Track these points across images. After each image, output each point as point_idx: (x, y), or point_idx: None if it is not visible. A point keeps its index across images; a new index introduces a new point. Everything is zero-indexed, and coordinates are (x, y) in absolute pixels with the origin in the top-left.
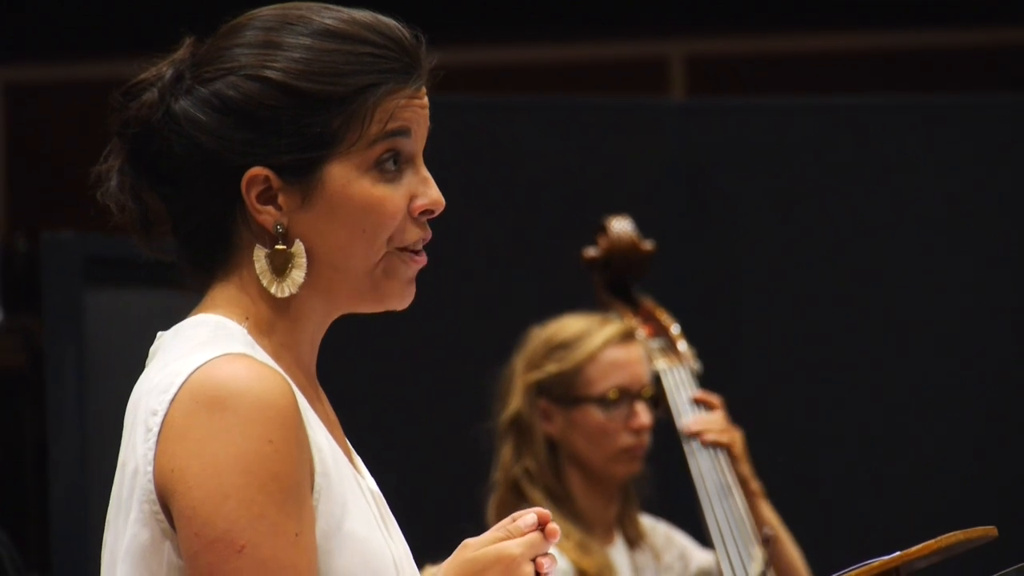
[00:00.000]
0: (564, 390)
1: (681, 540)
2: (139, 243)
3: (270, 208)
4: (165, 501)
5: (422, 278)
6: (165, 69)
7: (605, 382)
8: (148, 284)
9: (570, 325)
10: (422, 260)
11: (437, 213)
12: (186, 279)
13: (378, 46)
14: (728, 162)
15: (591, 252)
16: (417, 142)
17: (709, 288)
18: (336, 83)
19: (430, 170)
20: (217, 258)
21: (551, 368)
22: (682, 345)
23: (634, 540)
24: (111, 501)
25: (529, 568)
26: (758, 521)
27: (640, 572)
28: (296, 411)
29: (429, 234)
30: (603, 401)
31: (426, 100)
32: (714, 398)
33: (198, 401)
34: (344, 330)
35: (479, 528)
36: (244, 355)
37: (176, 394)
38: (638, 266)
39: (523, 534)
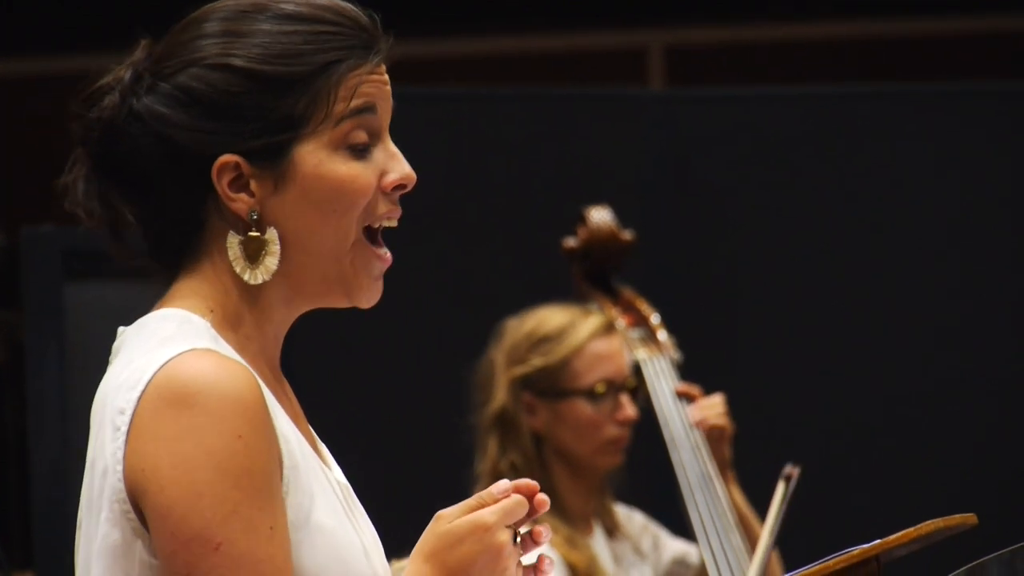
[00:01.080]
0: (550, 384)
1: (655, 529)
2: (110, 247)
3: (243, 195)
4: (136, 500)
5: (402, 267)
6: (123, 72)
7: (591, 375)
8: (128, 277)
9: (552, 318)
10: (388, 259)
11: (409, 188)
12: (153, 273)
13: (335, 24)
14: (709, 152)
15: (570, 243)
16: (383, 117)
17: (691, 278)
18: (297, 63)
19: (411, 160)
20: (186, 251)
21: (536, 362)
22: (662, 335)
23: (611, 530)
24: (82, 501)
25: (505, 535)
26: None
27: (619, 561)
28: (263, 405)
29: (399, 210)
30: (590, 394)
31: (387, 76)
32: (695, 389)
33: (165, 399)
34: (324, 322)
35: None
36: (210, 350)
37: (143, 392)
38: (617, 256)
39: (497, 501)
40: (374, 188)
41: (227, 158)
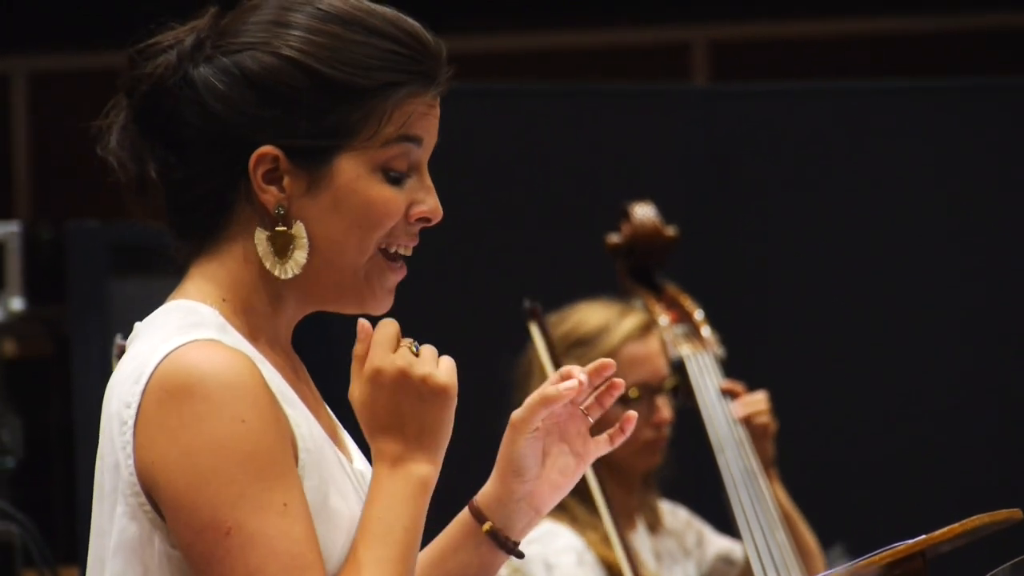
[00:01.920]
0: None
1: (699, 525)
2: (132, 203)
3: (274, 189)
4: (149, 492)
5: (446, 265)
6: (184, 35)
7: (626, 380)
8: (173, 272)
9: (589, 319)
10: (403, 271)
11: (433, 223)
12: (173, 250)
13: (406, 46)
14: (751, 146)
15: (614, 239)
16: (425, 151)
17: (732, 272)
18: (361, 75)
19: (458, 156)
20: (208, 233)
21: (571, 364)
22: (706, 331)
23: (654, 526)
24: (94, 495)
25: (391, 360)
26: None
27: (661, 557)
28: (265, 388)
29: (416, 241)
30: (623, 400)
31: (438, 111)
32: (739, 386)
33: (167, 390)
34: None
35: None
36: (211, 340)
37: (147, 385)
38: (661, 252)
39: (365, 350)
40: (401, 215)
41: (268, 149)
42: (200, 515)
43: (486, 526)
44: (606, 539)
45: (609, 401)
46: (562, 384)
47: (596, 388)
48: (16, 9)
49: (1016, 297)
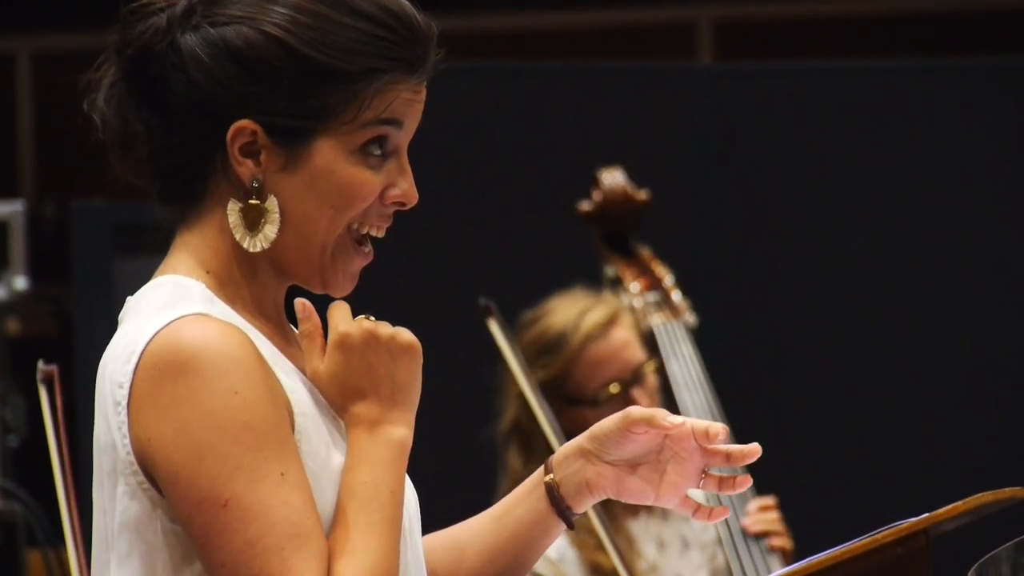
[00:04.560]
0: (559, 394)
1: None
2: (114, 162)
3: (250, 162)
4: (148, 470)
5: (446, 240)
6: None
7: (594, 383)
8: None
9: (553, 321)
10: (368, 257)
11: (407, 207)
12: (158, 211)
13: (392, 31)
14: (757, 125)
15: (584, 206)
16: (406, 135)
17: (737, 252)
18: (345, 59)
19: (460, 133)
20: (189, 201)
21: (540, 374)
22: (676, 296)
23: (662, 511)
24: (94, 477)
25: (357, 325)
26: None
27: (664, 546)
28: (258, 358)
29: (389, 222)
30: (595, 401)
31: (423, 94)
32: (770, 501)
33: (159, 367)
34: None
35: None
36: (200, 315)
37: (138, 363)
38: (632, 217)
39: (311, 328)
40: (375, 197)
41: (246, 123)
42: (197, 489)
43: (548, 477)
44: (600, 544)
45: (721, 489)
46: (677, 420)
47: (728, 458)
48: None
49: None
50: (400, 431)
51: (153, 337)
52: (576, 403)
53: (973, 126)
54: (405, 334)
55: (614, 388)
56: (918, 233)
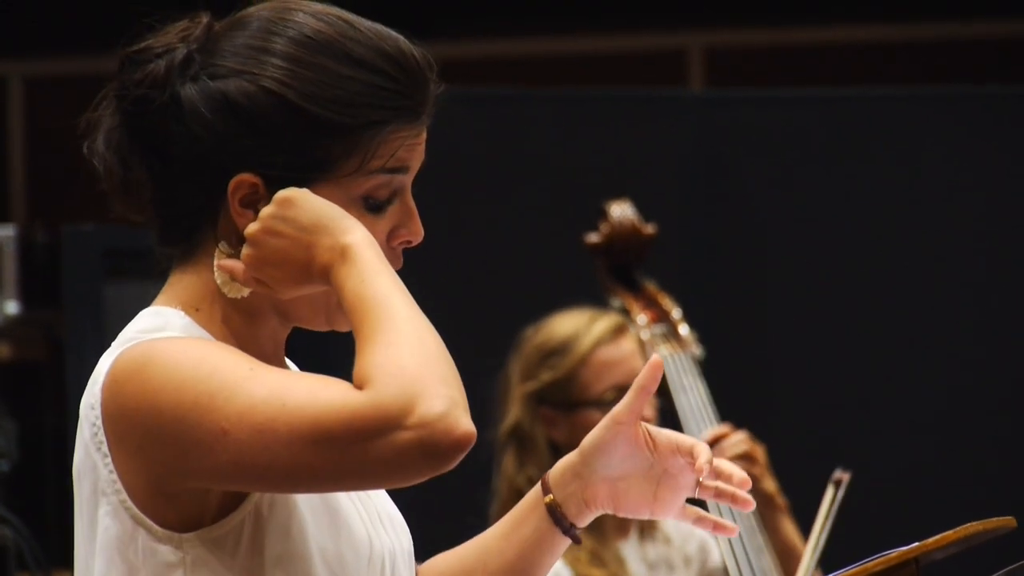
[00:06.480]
0: (563, 396)
1: (703, 532)
2: (116, 204)
3: (250, 213)
4: (131, 490)
5: (447, 267)
6: (176, 42)
7: (600, 384)
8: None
9: (560, 328)
10: None
11: (415, 244)
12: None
13: (393, 79)
14: (747, 152)
15: (593, 238)
16: (409, 177)
17: (729, 278)
18: (347, 114)
19: (452, 162)
20: (188, 243)
21: (545, 377)
22: (684, 330)
23: (649, 532)
24: (75, 506)
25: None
26: (779, 540)
27: (655, 566)
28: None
29: (400, 262)
30: (600, 403)
31: (425, 135)
32: (725, 428)
33: (119, 381)
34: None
35: (484, 525)
36: (170, 337)
37: (104, 382)
38: (639, 250)
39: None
40: (382, 243)
41: (247, 177)
42: (201, 447)
43: (547, 498)
44: (594, 555)
45: (718, 500)
46: (655, 429)
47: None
48: (12, 13)
49: (1014, 307)
50: (357, 234)
51: (118, 357)
52: (580, 405)
53: (963, 154)
54: (279, 194)
55: (610, 395)
56: (910, 259)
